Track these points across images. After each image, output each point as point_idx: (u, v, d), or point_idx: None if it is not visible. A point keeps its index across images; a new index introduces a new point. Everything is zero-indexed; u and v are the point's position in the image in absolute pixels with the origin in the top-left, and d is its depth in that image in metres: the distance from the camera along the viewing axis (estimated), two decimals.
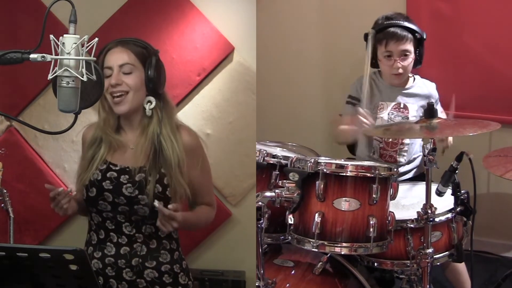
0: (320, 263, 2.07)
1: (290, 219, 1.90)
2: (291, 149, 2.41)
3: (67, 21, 1.29)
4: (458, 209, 2.05)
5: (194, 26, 2.61)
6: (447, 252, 2.08)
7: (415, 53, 2.52)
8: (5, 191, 2.25)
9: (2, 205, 2.24)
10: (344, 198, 1.84)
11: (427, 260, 1.93)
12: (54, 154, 2.71)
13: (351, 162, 1.96)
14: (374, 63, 2.59)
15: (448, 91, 2.95)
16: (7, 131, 2.70)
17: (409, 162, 2.64)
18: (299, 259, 2.15)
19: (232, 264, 2.67)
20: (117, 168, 1.85)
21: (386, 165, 1.93)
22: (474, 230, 2.11)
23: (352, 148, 2.78)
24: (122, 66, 1.82)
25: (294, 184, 1.87)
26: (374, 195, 1.84)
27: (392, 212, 1.93)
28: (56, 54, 1.27)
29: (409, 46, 2.48)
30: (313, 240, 1.84)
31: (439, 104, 2.65)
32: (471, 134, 1.91)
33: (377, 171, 1.84)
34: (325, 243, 1.84)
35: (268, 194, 1.85)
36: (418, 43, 2.52)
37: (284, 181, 1.89)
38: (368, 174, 1.85)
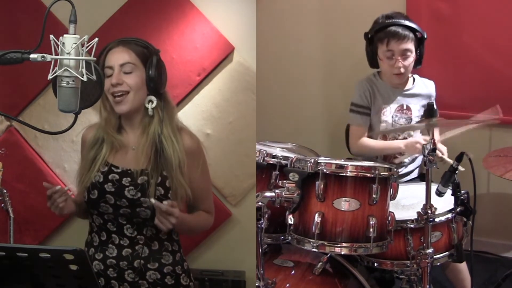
0: (320, 263, 2.07)
1: (290, 219, 1.90)
2: (291, 149, 2.40)
3: (67, 21, 1.29)
4: (458, 209, 2.05)
5: (194, 26, 2.61)
6: (447, 252, 2.08)
7: (415, 52, 2.52)
8: (5, 191, 2.25)
9: (2, 205, 2.24)
10: (344, 198, 1.84)
11: (427, 260, 1.93)
12: (54, 154, 2.71)
13: (351, 162, 1.95)
14: (374, 63, 2.59)
15: (448, 91, 2.96)
16: (7, 131, 2.69)
17: (412, 161, 2.65)
18: (299, 259, 2.15)
19: (232, 264, 2.67)
20: (119, 171, 1.85)
21: (386, 165, 1.93)
22: (474, 230, 2.11)
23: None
24: (123, 65, 1.82)
25: (294, 184, 1.87)
26: (374, 195, 1.84)
27: (392, 212, 1.93)
28: (56, 54, 1.27)
29: (410, 45, 2.48)
30: (313, 240, 1.84)
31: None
32: (471, 127, 1.90)
33: (377, 171, 1.84)
34: (325, 243, 1.84)
35: (268, 194, 1.85)
36: (419, 42, 2.52)
37: (284, 181, 1.89)
38: (368, 174, 1.85)
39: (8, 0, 2.64)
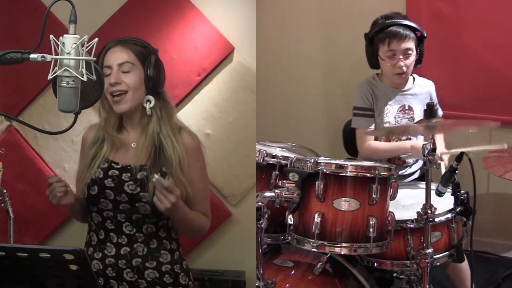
0: (320, 263, 2.07)
1: (290, 219, 1.90)
2: (291, 149, 2.40)
3: (67, 21, 1.29)
4: (458, 209, 2.05)
5: (194, 26, 2.61)
6: (447, 252, 2.08)
7: (416, 51, 2.52)
8: (5, 191, 2.25)
9: (2, 205, 2.25)
10: (344, 198, 1.84)
11: (427, 260, 1.93)
12: (54, 154, 2.71)
13: (351, 162, 1.95)
14: (375, 64, 2.59)
15: (448, 91, 2.96)
16: (7, 131, 2.70)
17: (415, 162, 2.65)
18: (299, 259, 2.15)
19: (232, 264, 2.67)
20: (118, 166, 1.85)
21: (385, 165, 1.93)
22: (474, 230, 2.11)
23: (350, 148, 2.79)
24: (122, 65, 1.82)
25: (294, 184, 1.86)
26: (374, 195, 1.84)
27: (392, 212, 1.93)
28: (56, 54, 1.27)
29: (411, 45, 2.49)
30: (313, 240, 1.84)
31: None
32: (470, 131, 1.90)
33: (376, 171, 1.84)
34: (325, 243, 1.84)
35: (268, 194, 1.85)
36: (419, 41, 2.53)
37: (284, 181, 1.89)
38: (368, 174, 1.84)
39: (8, 0, 2.65)
